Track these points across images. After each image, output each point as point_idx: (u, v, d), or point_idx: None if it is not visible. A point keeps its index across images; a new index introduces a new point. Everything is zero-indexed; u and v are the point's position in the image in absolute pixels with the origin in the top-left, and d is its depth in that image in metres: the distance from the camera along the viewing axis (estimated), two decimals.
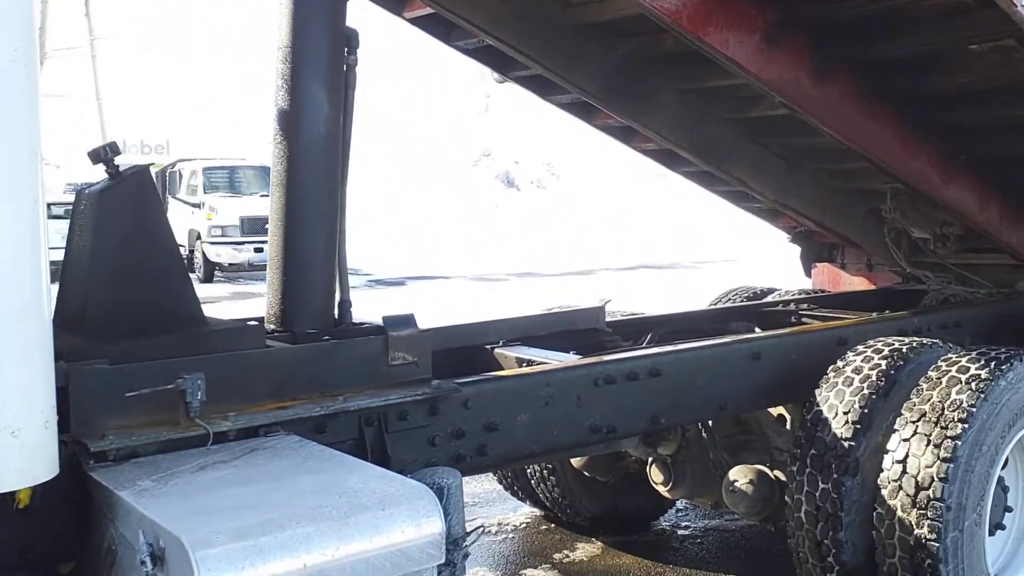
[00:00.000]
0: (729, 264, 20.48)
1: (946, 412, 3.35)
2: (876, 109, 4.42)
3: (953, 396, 3.38)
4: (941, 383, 3.45)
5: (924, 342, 3.78)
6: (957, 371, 3.48)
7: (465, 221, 29.55)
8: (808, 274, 6.63)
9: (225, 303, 15.58)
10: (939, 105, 4.50)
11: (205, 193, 19.81)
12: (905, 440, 3.39)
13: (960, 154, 4.81)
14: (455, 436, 3.05)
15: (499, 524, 5.21)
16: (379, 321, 3.01)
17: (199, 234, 19.37)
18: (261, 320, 3.12)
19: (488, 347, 4.05)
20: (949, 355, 3.60)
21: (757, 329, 4.91)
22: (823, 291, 6.33)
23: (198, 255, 19.27)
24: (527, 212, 32.18)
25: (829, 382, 3.66)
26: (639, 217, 30.38)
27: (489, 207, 32.25)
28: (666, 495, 4.38)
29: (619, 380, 3.42)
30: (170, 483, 2.13)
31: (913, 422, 3.40)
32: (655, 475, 4.32)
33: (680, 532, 5.08)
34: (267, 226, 3.26)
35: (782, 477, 3.90)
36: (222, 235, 18.71)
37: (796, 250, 6.85)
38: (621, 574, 4.59)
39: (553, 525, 5.17)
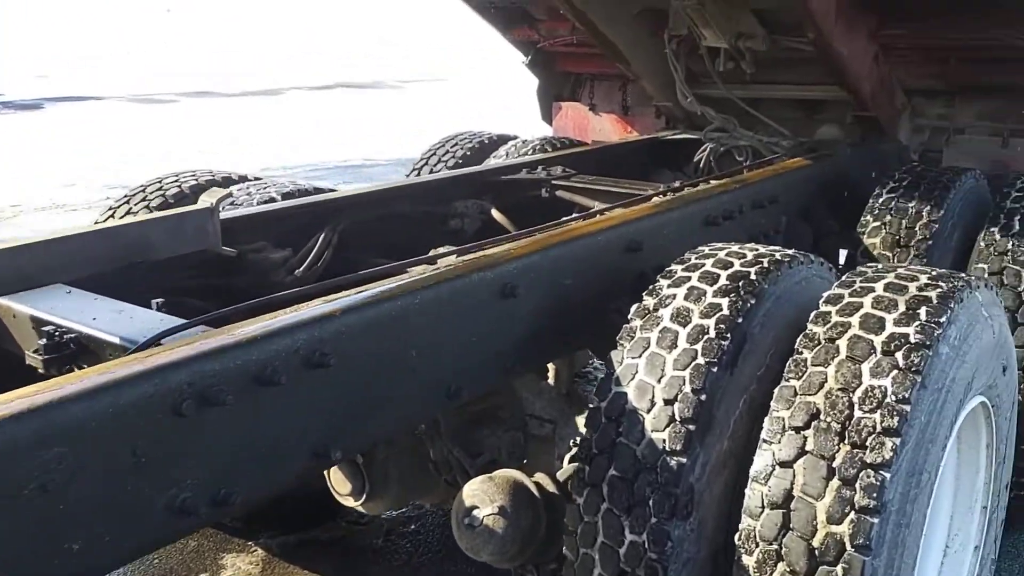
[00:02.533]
0: (438, 84, 18.61)
1: (858, 413, 1.82)
2: None
3: (867, 381, 1.85)
4: (838, 351, 1.90)
5: (776, 255, 2.20)
6: (863, 326, 1.93)
7: (129, 28, 24.93)
8: (547, 117, 4.99)
9: None
10: None
11: None
12: (785, 464, 1.84)
13: None
14: None
15: None
16: None
17: None
18: None
19: None
20: (837, 290, 2.05)
21: (495, 213, 3.18)
22: (569, 140, 4.71)
23: None
24: (207, 17, 27.89)
25: (635, 338, 2.02)
26: (337, 29, 27.33)
27: (160, 11, 27.54)
28: (358, 508, 2.63)
29: (222, 399, 1.54)
30: None
31: (797, 429, 1.85)
32: (337, 483, 2.55)
33: (384, 521, 3.41)
34: None
35: (549, 487, 2.29)
36: None
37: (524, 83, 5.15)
38: None
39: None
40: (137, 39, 24.27)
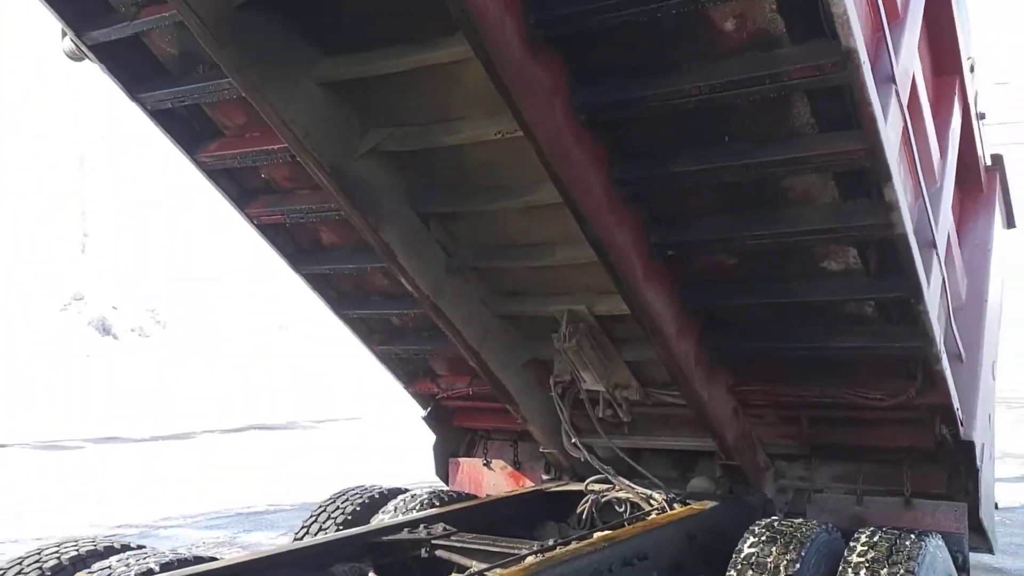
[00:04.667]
0: (353, 423, 18.83)
1: None
2: (588, 138, 3.26)
3: None
4: None
5: None
6: None
7: (46, 374, 25.00)
8: (442, 474, 5.22)
9: None
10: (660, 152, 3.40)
11: None
12: None
13: (670, 250, 3.71)
14: None
15: None
16: None
17: None
18: None
19: None
20: None
21: None
22: (461, 495, 4.88)
23: None
24: (124, 364, 28.19)
25: None
26: (256, 371, 27.83)
27: (79, 357, 27.77)
28: None
29: None
30: None
31: None
32: None
33: None
34: None
35: None
36: None
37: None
38: None
39: None
40: (56, 380, 24.29)
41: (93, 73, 4.02)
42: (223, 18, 3.19)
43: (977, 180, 5.17)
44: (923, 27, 4.22)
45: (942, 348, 3.81)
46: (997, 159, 5.29)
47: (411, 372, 5.36)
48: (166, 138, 4.15)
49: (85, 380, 25.95)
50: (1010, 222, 5.53)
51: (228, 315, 29.93)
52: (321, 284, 4.80)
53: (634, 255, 3.61)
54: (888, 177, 3.14)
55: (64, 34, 3.80)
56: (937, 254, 3.92)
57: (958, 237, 4.86)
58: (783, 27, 2.89)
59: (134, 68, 3.85)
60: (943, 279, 4.02)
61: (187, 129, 4.13)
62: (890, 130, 3.23)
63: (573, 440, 4.71)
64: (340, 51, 3.41)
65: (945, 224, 4.19)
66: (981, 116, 5.04)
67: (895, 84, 3.33)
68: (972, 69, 4.75)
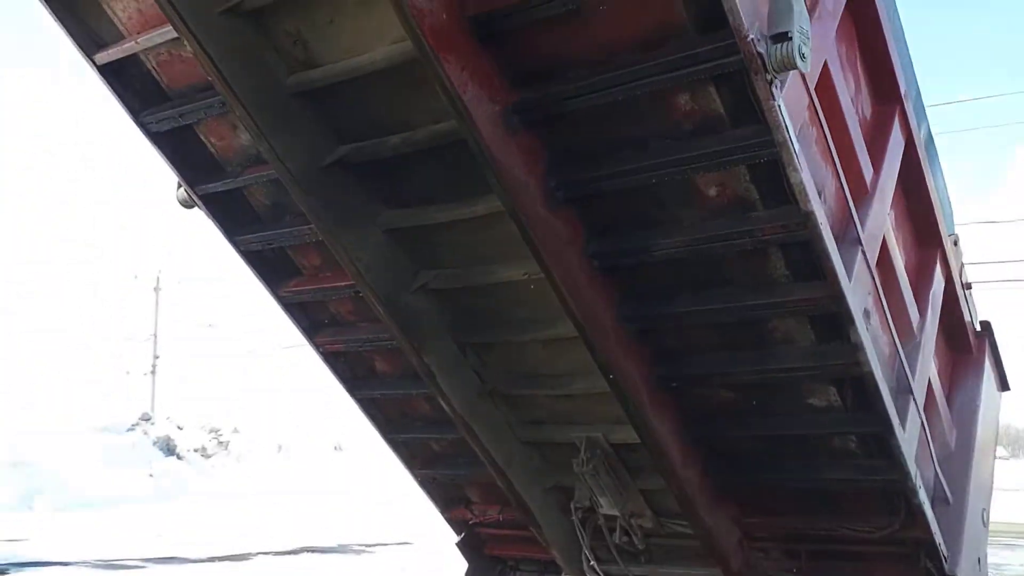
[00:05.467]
0: (403, 548, 18.85)
1: None
2: (599, 280, 3.90)
3: None
4: None
5: None
6: None
7: (111, 493, 25.73)
8: None
9: None
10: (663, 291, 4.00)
11: None
12: None
13: (673, 382, 4.24)
14: None
15: None
16: None
17: None
18: None
19: None
20: None
21: None
22: None
23: None
24: (186, 483, 28.89)
25: None
26: (312, 492, 28.13)
27: (143, 476, 28.64)
28: None
29: None
30: None
31: None
32: None
33: None
34: None
35: None
36: None
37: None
38: None
39: None
40: (121, 500, 24.98)
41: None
42: (311, 177, 4.01)
43: (968, 343, 5.65)
44: (903, 203, 4.89)
45: (918, 483, 4.22)
46: (986, 326, 5.78)
47: (447, 498, 5.86)
48: (253, 275, 4.93)
49: (147, 498, 26.61)
50: (1003, 385, 5.94)
51: (287, 438, 30.61)
52: (372, 408, 5.43)
53: (641, 385, 4.18)
54: (852, 321, 3.71)
55: (179, 185, 4.68)
56: (915, 400, 4.41)
57: (949, 391, 5.31)
58: (756, 194, 3.57)
59: (234, 215, 4.69)
60: (922, 423, 4.47)
61: (271, 268, 4.92)
62: (856, 283, 3.83)
63: (592, 564, 5.11)
64: (400, 205, 4.19)
65: (924, 375, 4.68)
66: (967, 286, 5.58)
67: (861, 245, 3.96)
68: (956, 243, 5.35)
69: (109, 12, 4.15)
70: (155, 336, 40.91)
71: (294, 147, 3.94)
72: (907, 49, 4.75)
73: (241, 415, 32.53)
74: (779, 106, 3.17)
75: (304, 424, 30.64)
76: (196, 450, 32.13)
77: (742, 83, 3.19)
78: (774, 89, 3.13)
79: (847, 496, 4.48)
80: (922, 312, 4.84)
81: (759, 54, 3.03)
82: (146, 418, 33.73)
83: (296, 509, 24.79)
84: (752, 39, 2.99)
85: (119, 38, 4.21)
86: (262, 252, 4.85)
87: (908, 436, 4.22)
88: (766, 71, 3.07)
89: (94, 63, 4.25)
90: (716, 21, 3.03)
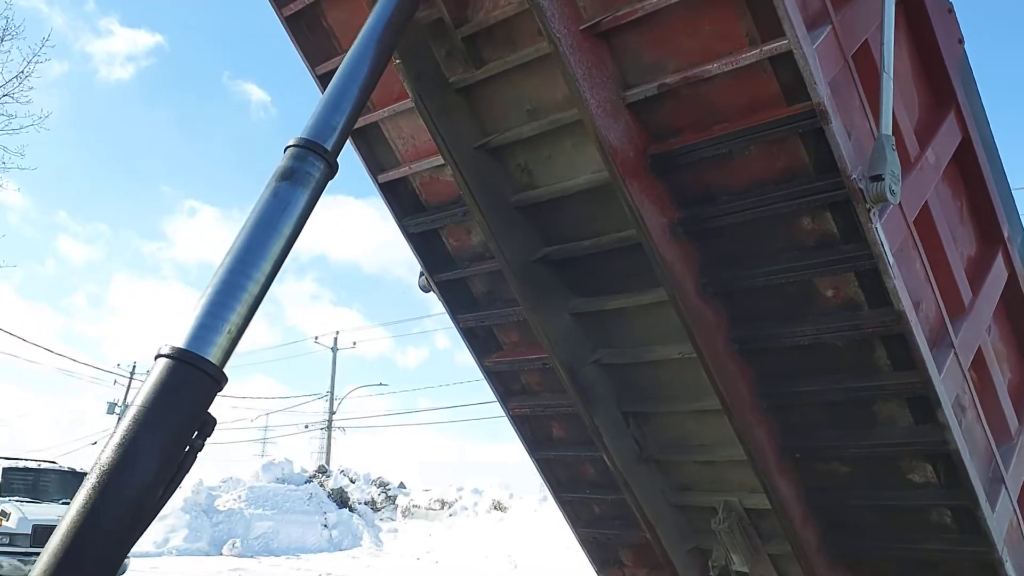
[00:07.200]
0: None
1: None
2: (739, 361, 4.99)
3: None
4: None
5: None
6: None
7: (290, 544, 27.82)
8: None
9: None
10: (795, 378, 5.03)
11: (2, 495, 18.14)
12: None
13: (796, 452, 5.20)
14: None
15: None
16: None
17: None
18: None
19: None
20: None
21: None
22: None
23: None
24: (360, 535, 30.87)
25: None
26: (474, 553, 28.75)
27: (318, 526, 30.71)
28: None
29: None
30: None
31: None
32: None
33: None
34: None
35: None
36: (9, 543, 16.81)
37: None
38: None
39: None
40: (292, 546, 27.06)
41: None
42: (522, 268, 5.42)
43: None
44: (1008, 327, 5.77)
45: (1005, 556, 4.97)
46: None
47: (603, 559, 6.87)
48: (467, 348, 6.34)
49: (322, 547, 28.68)
50: None
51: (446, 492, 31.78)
52: (546, 469, 6.61)
53: (769, 452, 5.21)
54: (939, 404, 4.67)
55: (421, 273, 6.21)
56: (1007, 491, 5.19)
57: None
58: (863, 296, 4.66)
59: (460, 298, 6.14)
60: (1014, 512, 5.22)
61: (481, 342, 6.31)
62: (946, 376, 4.79)
63: None
64: (585, 293, 5.52)
65: (1020, 473, 5.44)
66: None
67: (954, 349, 4.93)
68: None
69: (391, 145, 5.81)
70: (331, 393, 44.39)
71: (513, 245, 5.38)
72: (1012, 198, 5.76)
73: (405, 470, 34.21)
74: (876, 228, 4.32)
75: (465, 485, 31.87)
76: (367, 503, 33.87)
77: (850, 210, 4.37)
78: (872, 216, 4.29)
79: (942, 567, 5.23)
80: (1021, 420, 5.63)
81: (860, 189, 4.22)
82: (323, 471, 36.04)
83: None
84: (855, 178, 4.19)
85: (396, 164, 5.85)
86: (475, 329, 6.26)
87: (998, 516, 5.01)
88: (865, 202, 4.25)
89: (377, 181, 5.90)
90: (830, 164, 4.26)
